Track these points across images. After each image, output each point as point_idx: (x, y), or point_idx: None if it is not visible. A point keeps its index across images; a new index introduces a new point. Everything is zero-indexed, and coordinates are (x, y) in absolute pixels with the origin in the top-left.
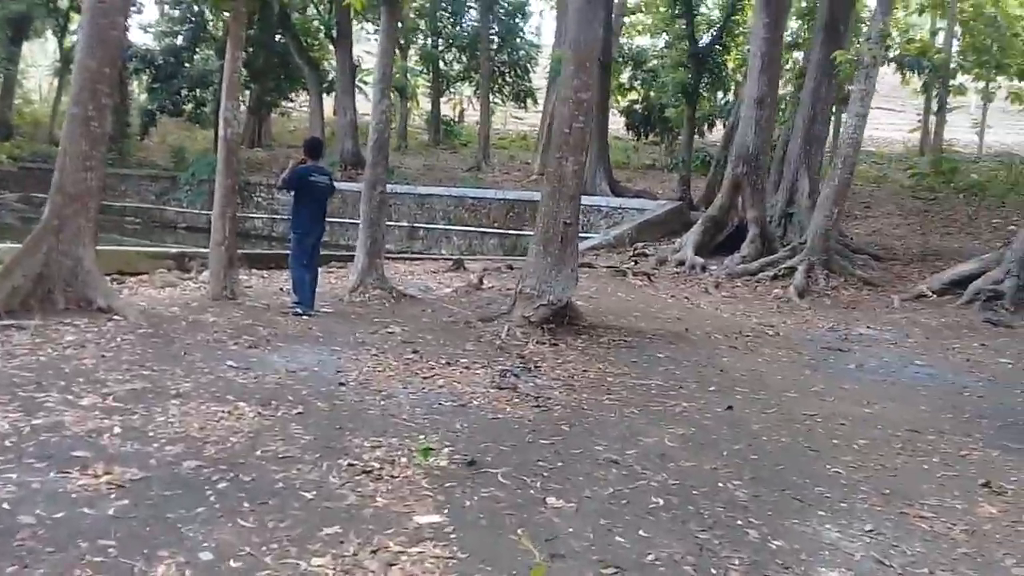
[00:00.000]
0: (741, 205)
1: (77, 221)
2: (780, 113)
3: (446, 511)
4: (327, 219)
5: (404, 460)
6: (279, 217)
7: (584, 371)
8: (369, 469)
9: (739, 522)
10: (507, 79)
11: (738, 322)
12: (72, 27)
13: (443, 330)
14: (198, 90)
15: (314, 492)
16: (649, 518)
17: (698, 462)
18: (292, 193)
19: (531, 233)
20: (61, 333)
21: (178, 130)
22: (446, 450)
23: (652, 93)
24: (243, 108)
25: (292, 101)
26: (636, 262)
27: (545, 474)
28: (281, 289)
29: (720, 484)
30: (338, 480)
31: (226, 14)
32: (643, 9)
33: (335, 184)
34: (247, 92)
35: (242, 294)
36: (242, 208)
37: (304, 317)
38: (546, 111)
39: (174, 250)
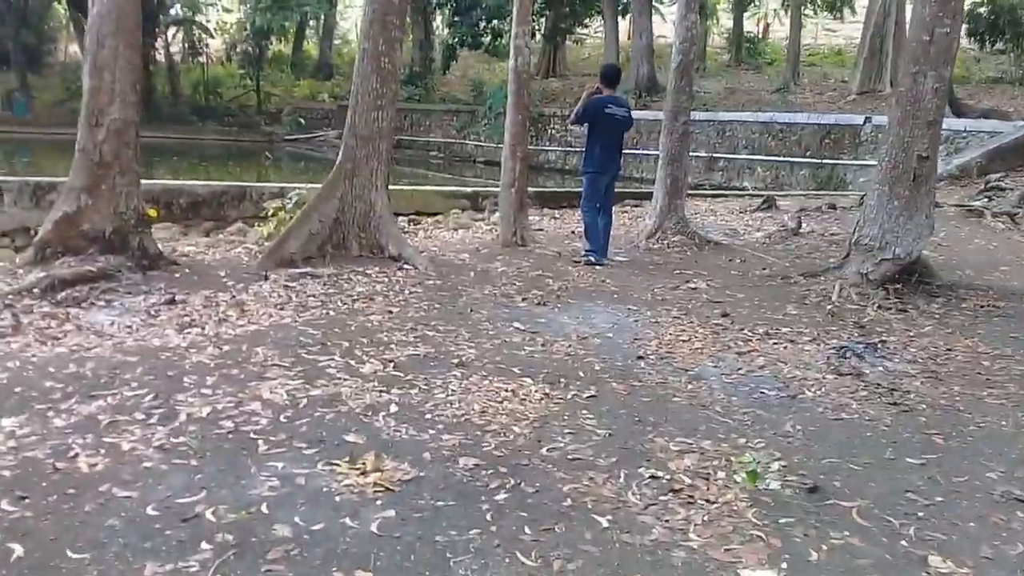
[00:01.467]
0: None
1: (370, 164)
2: None
3: (783, 566)
4: (623, 153)
5: (722, 476)
6: (573, 150)
7: (948, 351)
8: (678, 486)
9: None
10: None
11: None
12: None
13: (757, 287)
14: (495, 21)
15: (609, 517)
16: None
17: None
18: (585, 127)
19: (850, 163)
20: (352, 283)
21: (478, 63)
22: (776, 465)
23: None
24: (537, 36)
25: (587, 27)
26: (990, 198)
27: (919, 514)
28: (573, 232)
29: None
30: (639, 500)
31: None
32: None
33: (633, 116)
34: (541, 20)
35: (532, 240)
36: (535, 141)
37: (597, 267)
38: (869, 20)
39: (468, 190)
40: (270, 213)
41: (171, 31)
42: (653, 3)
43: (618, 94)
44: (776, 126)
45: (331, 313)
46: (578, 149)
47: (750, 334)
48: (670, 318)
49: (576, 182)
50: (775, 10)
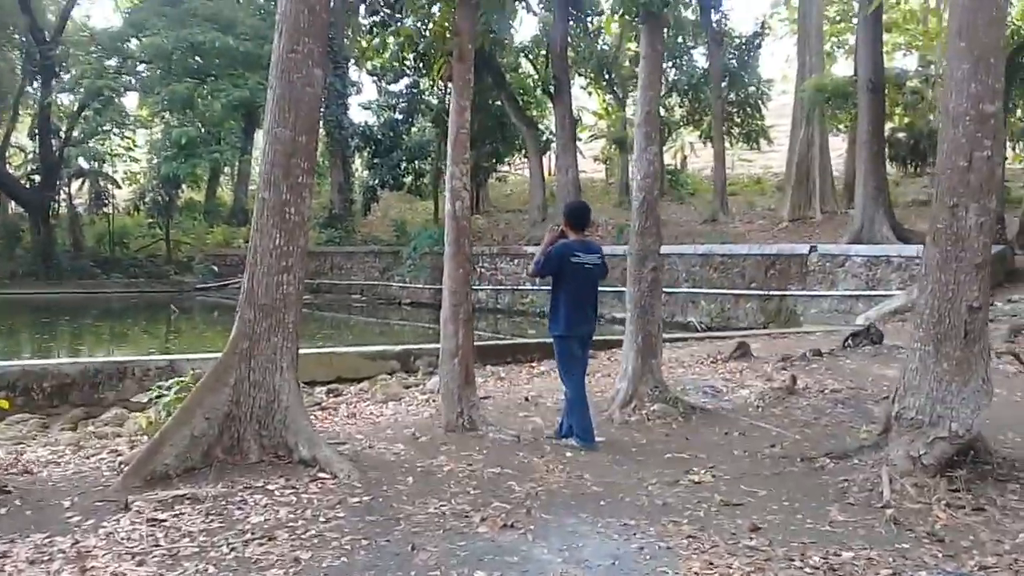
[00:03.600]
0: None
1: (272, 341)
2: None
3: None
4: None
5: None
6: (503, 288)
7: None
8: None
9: None
10: (736, 119)
11: None
12: None
13: (777, 477)
14: (416, 162)
15: None
16: None
17: None
18: (549, 279)
19: (799, 294)
20: (246, 510)
21: (399, 203)
22: None
23: (916, 119)
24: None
25: (508, 164)
26: None
27: None
28: (527, 399)
29: None
30: None
31: (449, 60)
32: (902, 23)
33: (606, 263)
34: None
35: (483, 421)
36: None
37: (573, 453)
38: (793, 149)
39: (397, 348)
40: (153, 397)
41: (75, 183)
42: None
43: (588, 237)
44: (716, 258)
45: (211, 569)
46: (509, 287)
47: (802, 564)
48: (683, 539)
49: (513, 324)
50: (691, 143)
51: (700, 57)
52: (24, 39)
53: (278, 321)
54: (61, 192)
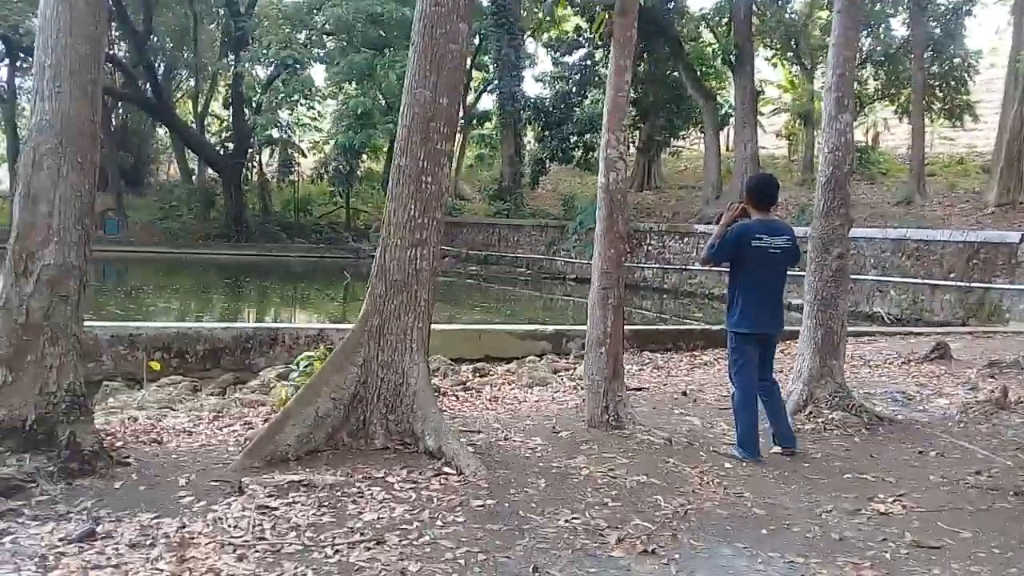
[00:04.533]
0: None
1: (403, 320)
2: None
3: None
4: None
5: None
6: (671, 267)
7: None
8: None
9: None
10: (937, 93)
11: None
12: (473, 84)
13: (983, 514)
14: (587, 135)
15: None
16: None
17: None
18: (726, 266)
19: (1006, 287)
20: (361, 504)
21: (569, 177)
22: None
23: None
24: (631, 149)
25: (683, 139)
26: None
27: None
28: (684, 394)
29: None
30: None
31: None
32: None
33: (799, 247)
34: (635, 132)
35: (630, 419)
36: (629, 257)
37: (743, 465)
38: (1004, 127)
39: (549, 329)
40: (299, 368)
41: (264, 151)
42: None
43: (775, 217)
44: (910, 243)
45: (309, 574)
46: (676, 267)
47: None
48: None
49: (680, 305)
50: (884, 119)
51: (898, 26)
52: (222, 12)
53: (410, 298)
54: (252, 160)
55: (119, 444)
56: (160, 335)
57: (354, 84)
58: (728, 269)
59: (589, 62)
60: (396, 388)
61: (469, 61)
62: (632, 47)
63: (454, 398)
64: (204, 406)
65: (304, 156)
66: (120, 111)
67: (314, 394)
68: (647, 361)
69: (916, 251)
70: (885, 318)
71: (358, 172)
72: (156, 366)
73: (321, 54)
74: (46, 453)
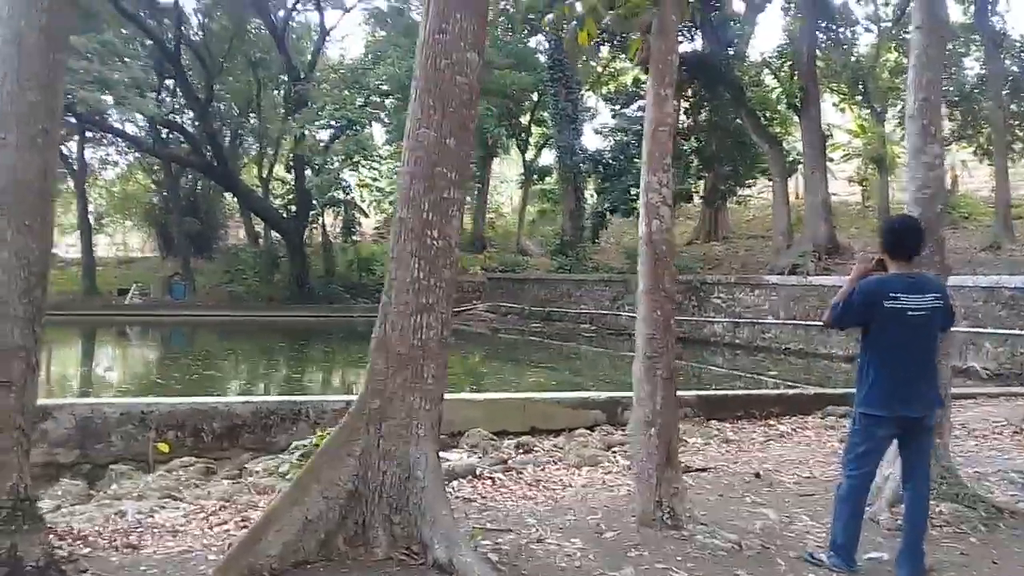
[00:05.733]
0: None
1: (408, 400)
2: None
3: None
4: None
5: None
6: (742, 320)
7: None
8: None
9: None
10: (1019, 132)
11: None
12: (533, 140)
13: None
14: None
15: None
16: None
17: None
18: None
19: None
20: None
21: (631, 229)
22: None
23: None
24: (695, 199)
25: (749, 187)
26: None
27: None
28: (757, 476)
29: None
30: None
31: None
32: None
33: (952, 308)
34: (700, 181)
35: (689, 516)
36: (698, 311)
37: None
38: None
39: (603, 396)
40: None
41: (327, 213)
42: (826, 158)
43: (917, 272)
44: (1005, 292)
45: None
46: (747, 320)
47: None
48: None
49: (754, 364)
50: (963, 160)
51: (971, 63)
52: (284, 78)
53: (415, 375)
54: (315, 221)
55: (84, 552)
56: (173, 412)
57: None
58: (862, 336)
59: None
60: (400, 484)
61: (528, 117)
62: (673, 74)
63: (489, 482)
64: (212, 493)
65: (366, 216)
66: (188, 177)
67: (302, 492)
68: (714, 433)
69: (1011, 299)
70: (981, 373)
71: None
72: (165, 448)
73: (381, 115)
74: None
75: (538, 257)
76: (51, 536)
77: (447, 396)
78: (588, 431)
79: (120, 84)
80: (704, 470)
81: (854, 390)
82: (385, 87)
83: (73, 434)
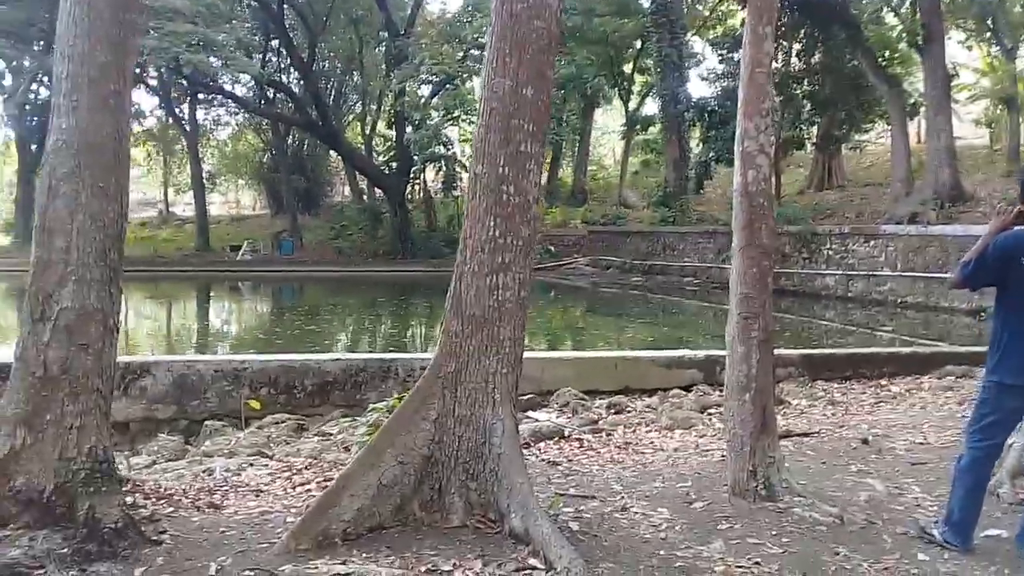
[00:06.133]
0: None
1: (484, 364)
2: None
3: None
4: None
5: None
6: (857, 273)
7: None
8: None
9: None
10: None
11: None
12: (636, 89)
13: None
14: None
15: None
16: None
17: None
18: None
19: None
20: None
21: None
22: None
23: None
24: (807, 147)
25: (866, 133)
26: None
27: None
28: (865, 442)
29: None
30: None
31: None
32: None
33: None
34: (812, 128)
35: (785, 487)
36: (808, 264)
37: (944, 556)
38: None
39: (700, 355)
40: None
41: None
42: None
43: None
44: None
45: None
46: (861, 272)
47: None
48: None
49: (868, 318)
50: None
51: None
52: (383, 34)
53: (491, 337)
54: (417, 177)
55: (167, 511)
56: (265, 369)
57: None
58: (995, 297)
59: None
60: (477, 449)
61: (630, 65)
62: (774, 11)
63: (577, 444)
64: (301, 451)
65: (466, 170)
66: (294, 136)
67: (377, 456)
68: (820, 394)
69: None
70: None
71: None
72: (257, 405)
73: (480, 68)
74: (64, 531)
75: (640, 209)
76: (138, 494)
77: (537, 354)
78: (683, 391)
79: (225, 46)
80: (806, 435)
81: (976, 348)
82: (483, 40)
83: (171, 390)
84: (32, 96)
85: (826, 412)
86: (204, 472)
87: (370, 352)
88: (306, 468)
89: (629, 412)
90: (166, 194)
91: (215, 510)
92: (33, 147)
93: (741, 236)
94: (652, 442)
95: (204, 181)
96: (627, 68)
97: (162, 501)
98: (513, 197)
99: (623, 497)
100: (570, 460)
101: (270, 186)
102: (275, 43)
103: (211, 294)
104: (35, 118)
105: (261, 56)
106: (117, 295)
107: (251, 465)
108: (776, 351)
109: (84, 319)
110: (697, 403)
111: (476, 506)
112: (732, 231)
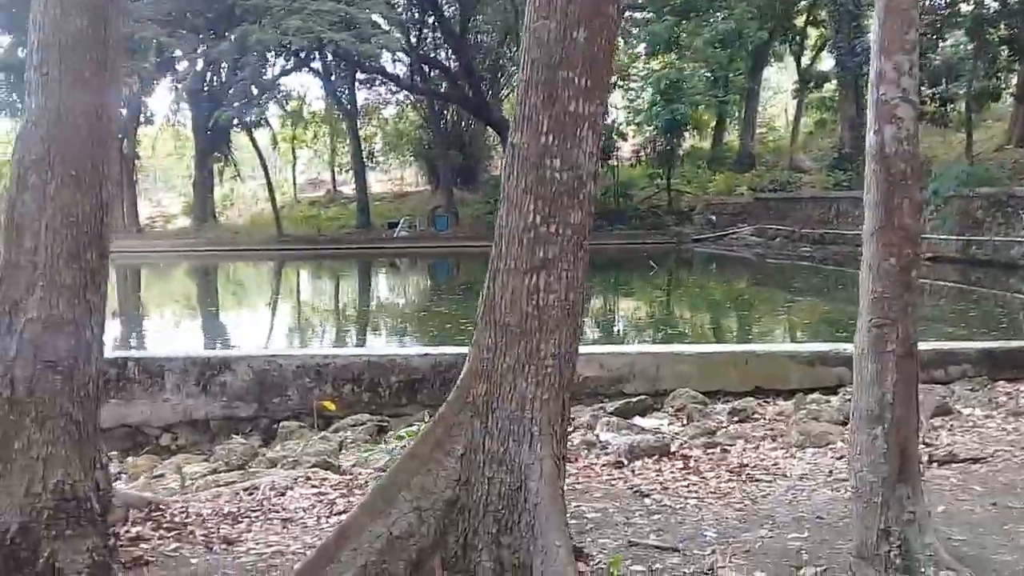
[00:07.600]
0: None
1: (520, 386)
2: None
3: None
4: None
5: None
6: None
7: None
8: None
9: None
10: None
11: None
12: (809, 43)
13: None
14: (941, 85)
15: None
16: None
17: None
18: None
19: None
20: None
21: (925, 136)
22: None
23: None
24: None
25: None
26: None
27: None
28: None
29: None
30: None
31: None
32: None
33: None
34: (1010, 75)
35: (930, 555)
36: (1004, 230)
37: None
38: None
39: (846, 349)
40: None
41: None
42: None
43: None
44: None
45: None
46: None
47: None
48: None
49: None
50: None
51: None
52: None
53: (528, 354)
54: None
55: (169, 548)
56: (350, 365)
57: (660, 56)
58: None
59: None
60: (511, 495)
61: (802, 18)
62: None
63: (681, 464)
64: (369, 460)
65: (624, 139)
66: (451, 112)
67: (387, 501)
68: (1002, 400)
69: None
70: None
71: (679, 151)
72: (331, 406)
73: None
74: None
75: (813, 174)
76: (148, 524)
77: (653, 348)
78: (828, 394)
79: (368, 23)
80: (976, 461)
81: None
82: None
83: (251, 387)
84: (204, 82)
85: (1006, 426)
86: (245, 491)
87: (462, 346)
88: (360, 488)
89: (756, 420)
90: (333, 174)
91: (226, 547)
92: (208, 132)
93: (875, 215)
94: (775, 464)
95: (364, 160)
96: (799, 22)
97: (172, 534)
98: (559, 173)
99: (713, 552)
100: (665, 489)
101: (429, 162)
102: (430, 19)
103: (371, 271)
104: (207, 104)
105: (417, 32)
106: (98, 302)
107: (306, 479)
108: (947, 344)
109: (52, 332)
110: (841, 411)
111: (508, 567)
112: (864, 208)
